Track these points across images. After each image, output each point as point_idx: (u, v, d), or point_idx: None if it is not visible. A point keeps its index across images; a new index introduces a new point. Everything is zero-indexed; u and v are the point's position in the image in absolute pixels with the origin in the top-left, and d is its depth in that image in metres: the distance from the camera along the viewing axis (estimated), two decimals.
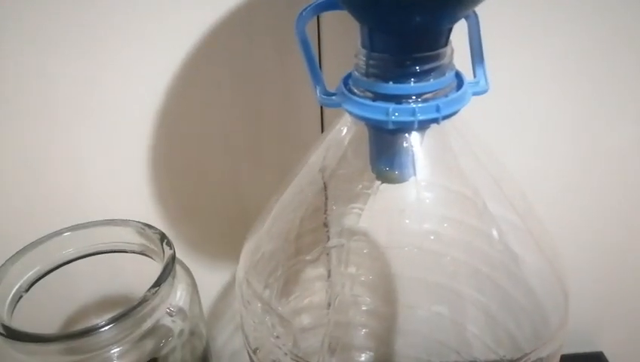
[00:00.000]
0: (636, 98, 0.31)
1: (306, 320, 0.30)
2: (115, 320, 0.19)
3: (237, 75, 0.29)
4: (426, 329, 0.29)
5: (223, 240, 0.35)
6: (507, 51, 0.28)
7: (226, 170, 0.32)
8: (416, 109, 0.16)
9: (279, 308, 0.24)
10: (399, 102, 0.17)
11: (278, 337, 0.22)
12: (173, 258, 0.22)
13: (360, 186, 0.24)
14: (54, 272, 0.24)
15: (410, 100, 0.17)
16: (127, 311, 0.20)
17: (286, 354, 0.21)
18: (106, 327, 0.19)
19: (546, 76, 0.30)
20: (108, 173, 0.30)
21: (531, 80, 0.30)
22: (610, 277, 0.41)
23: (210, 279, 0.37)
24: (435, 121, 0.17)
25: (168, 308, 0.22)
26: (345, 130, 0.21)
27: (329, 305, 0.30)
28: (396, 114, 0.17)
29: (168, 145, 0.30)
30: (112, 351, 0.20)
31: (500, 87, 0.28)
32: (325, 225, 0.27)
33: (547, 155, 0.33)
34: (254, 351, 0.23)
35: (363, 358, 0.30)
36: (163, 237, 0.24)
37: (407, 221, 0.24)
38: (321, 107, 0.30)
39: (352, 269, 0.30)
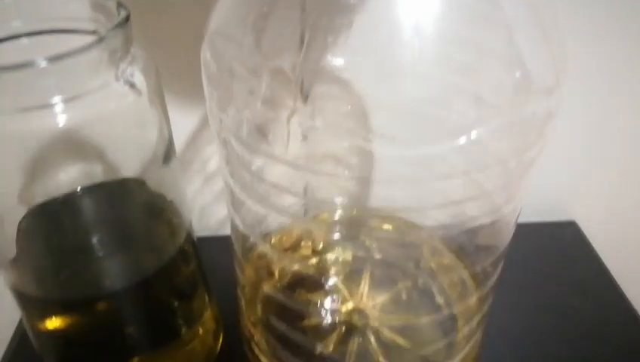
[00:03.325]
0: None
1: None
2: (53, 58, 0.18)
3: None
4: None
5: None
6: None
7: None
8: None
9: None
10: None
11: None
12: (127, 18, 0.20)
13: None
14: None
15: None
16: (69, 52, 0.18)
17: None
18: (43, 64, 0.17)
19: None
20: None
21: None
22: (588, 146, 0.41)
23: (178, 122, 0.35)
24: None
25: (123, 77, 0.20)
26: None
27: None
28: None
29: None
30: (54, 102, 0.19)
31: None
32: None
33: None
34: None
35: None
36: (119, 5, 0.21)
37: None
38: None
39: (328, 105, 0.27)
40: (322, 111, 0.28)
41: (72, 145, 0.20)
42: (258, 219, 0.26)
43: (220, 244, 0.30)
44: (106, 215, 0.25)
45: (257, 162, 0.20)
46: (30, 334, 0.27)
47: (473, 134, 0.17)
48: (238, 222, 0.25)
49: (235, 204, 0.24)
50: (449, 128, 0.17)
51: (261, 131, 0.19)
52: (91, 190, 0.24)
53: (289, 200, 0.31)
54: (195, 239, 0.28)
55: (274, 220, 0.29)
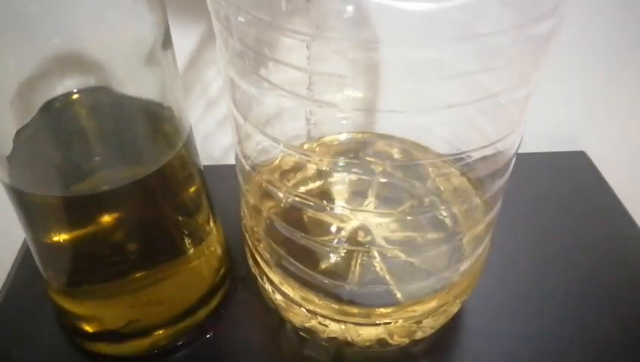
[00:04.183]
0: None
1: None
2: None
3: None
4: None
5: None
6: None
7: None
8: None
9: None
10: None
11: None
12: None
13: None
14: None
15: None
16: None
17: None
18: None
19: None
20: None
21: None
22: (598, 78, 0.40)
23: (176, 44, 0.34)
24: None
25: None
26: None
27: None
28: None
29: None
30: None
31: None
32: None
33: None
34: None
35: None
36: None
37: None
38: None
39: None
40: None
41: (64, 28, 0.20)
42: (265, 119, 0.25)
43: (224, 173, 0.29)
44: (103, 115, 0.24)
45: (259, 35, 0.19)
46: (32, 248, 0.26)
47: None
48: (241, 123, 0.24)
49: (237, 100, 0.23)
50: None
51: None
52: (90, 91, 0.23)
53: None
54: (197, 151, 0.28)
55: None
